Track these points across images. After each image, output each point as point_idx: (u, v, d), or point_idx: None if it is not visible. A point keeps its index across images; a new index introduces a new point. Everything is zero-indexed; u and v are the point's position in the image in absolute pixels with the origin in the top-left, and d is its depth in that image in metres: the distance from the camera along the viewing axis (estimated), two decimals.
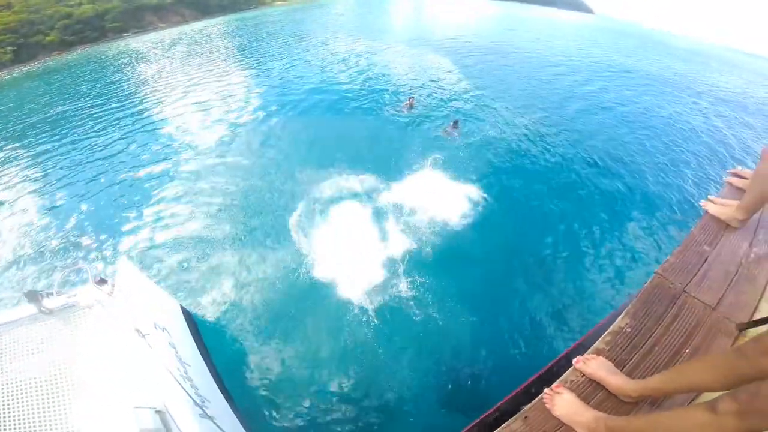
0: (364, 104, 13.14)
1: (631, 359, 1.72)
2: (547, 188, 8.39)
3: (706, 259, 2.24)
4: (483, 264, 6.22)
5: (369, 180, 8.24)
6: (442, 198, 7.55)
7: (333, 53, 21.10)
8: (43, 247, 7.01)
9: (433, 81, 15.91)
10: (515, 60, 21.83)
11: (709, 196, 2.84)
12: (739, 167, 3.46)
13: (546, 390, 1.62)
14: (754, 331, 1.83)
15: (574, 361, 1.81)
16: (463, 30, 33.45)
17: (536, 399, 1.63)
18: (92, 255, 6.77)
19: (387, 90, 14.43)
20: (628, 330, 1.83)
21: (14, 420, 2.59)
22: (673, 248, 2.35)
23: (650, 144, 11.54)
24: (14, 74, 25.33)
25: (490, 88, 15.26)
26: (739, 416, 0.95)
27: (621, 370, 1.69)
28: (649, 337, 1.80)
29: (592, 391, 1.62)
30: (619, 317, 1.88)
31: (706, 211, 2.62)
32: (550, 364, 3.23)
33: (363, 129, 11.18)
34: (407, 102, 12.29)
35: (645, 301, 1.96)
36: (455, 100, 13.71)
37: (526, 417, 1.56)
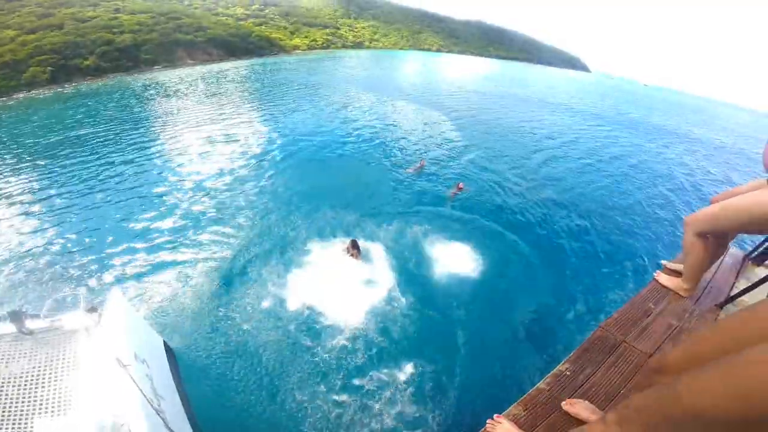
0: (369, 157, 13.62)
1: (570, 396, 1.84)
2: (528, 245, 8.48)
3: (649, 315, 2.39)
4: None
5: (367, 228, 8.51)
6: (444, 255, 7.71)
7: (343, 105, 22.34)
8: (39, 269, 7.13)
9: (434, 140, 16.34)
10: (515, 119, 23.02)
11: (662, 262, 2.98)
12: None
13: (488, 420, 1.73)
14: None
15: (563, 403, 1.92)
16: (467, 88, 35.42)
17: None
18: (86, 281, 6.86)
19: (392, 146, 14.94)
20: (568, 373, 1.96)
21: None
22: (618, 306, 2.50)
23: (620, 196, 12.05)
24: (46, 95, 26.51)
25: (489, 149, 15.77)
26: (619, 425, 1.12)
27: (555, 411, 1.80)
28: (587, 380, 1.93)
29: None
30: (561, 363, 2.02)
31: (656, 281, 2.75)
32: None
33: (367, 180, 11.53)
34: (418, 165, 12.20)
35: (586, 349, 2.11)
36: (456, 160, 13.98)
37: None
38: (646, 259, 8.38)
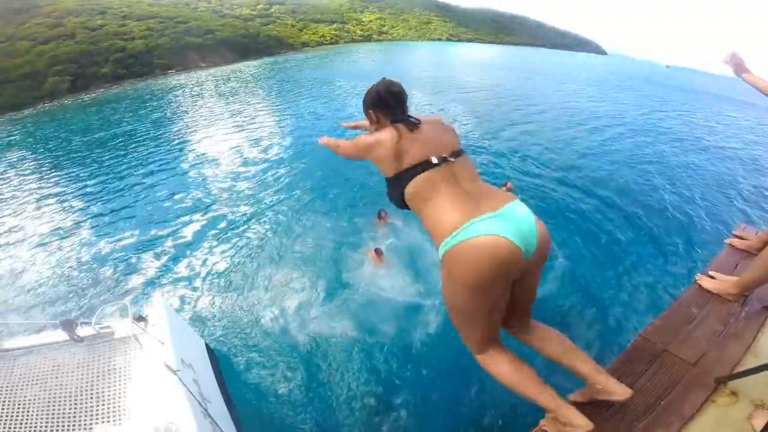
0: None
1: (606, 411, 1.85)
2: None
3: (693, 320, 2.35)
4: None
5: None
6: None
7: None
8: (82, 281, 7.52)
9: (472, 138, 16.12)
10: (545, 110, 22.35)
11: (705, 271, 2.78)
12: (743, 226, 3.44)
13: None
14: (734, 384, 1.94)
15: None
16: (488, 78, 34.78)
17: None
18: (131, 290, 7.20)
19: None
20: None
21: None
22: (660, 311, 2.47)
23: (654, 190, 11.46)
24: (67, 103, 27.31)
25: (516, 143, 15.49)
26: None
27: (596, 419, 1.81)
28: None
29: None
30: None
31: (699, 285, 2.62)
32: None
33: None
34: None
35: (624, 360, 2.10)
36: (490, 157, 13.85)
37: None
38: (683, 261, 7.95)
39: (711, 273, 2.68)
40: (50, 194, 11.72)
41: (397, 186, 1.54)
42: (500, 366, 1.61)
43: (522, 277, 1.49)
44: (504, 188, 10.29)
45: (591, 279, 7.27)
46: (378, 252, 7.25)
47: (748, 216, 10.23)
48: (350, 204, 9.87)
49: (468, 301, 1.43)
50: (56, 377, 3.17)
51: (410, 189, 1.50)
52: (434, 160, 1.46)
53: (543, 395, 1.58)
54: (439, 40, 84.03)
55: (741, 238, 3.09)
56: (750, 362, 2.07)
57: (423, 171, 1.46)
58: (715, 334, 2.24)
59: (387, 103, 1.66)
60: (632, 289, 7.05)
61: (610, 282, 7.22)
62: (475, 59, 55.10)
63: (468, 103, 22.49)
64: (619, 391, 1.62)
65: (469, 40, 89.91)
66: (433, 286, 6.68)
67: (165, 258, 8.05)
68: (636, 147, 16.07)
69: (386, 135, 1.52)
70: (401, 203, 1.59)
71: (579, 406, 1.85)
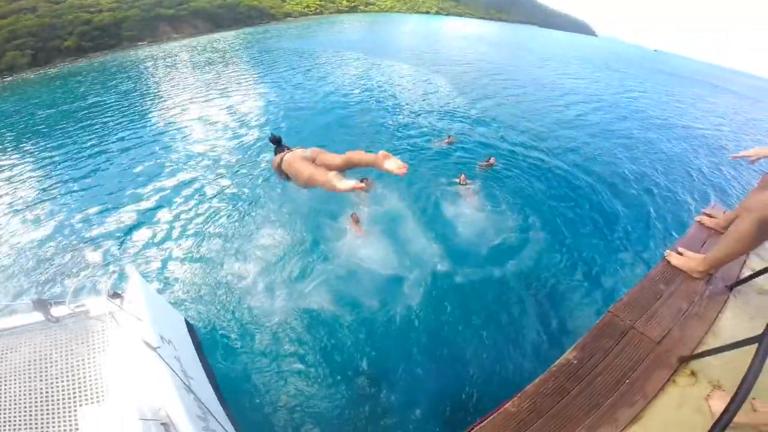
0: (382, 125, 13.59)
1: (574, 388, 1.92)
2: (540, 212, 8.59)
3: (659, 297, 2.43)
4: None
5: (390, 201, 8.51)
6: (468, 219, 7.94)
7: (349, 73, 22.02)
8: (54, 258, 7.26)
9: (444, 110, 16.13)
10: (524, 85, 22.48)
11: (674, 247, 2.85)
12: (713, 204, 3.52)
13: None
14: (694, 364, 2.04)
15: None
16: (473, 52, 34.40)
17: (484, 422, 1.85)
18: (104, 265, 7.01)
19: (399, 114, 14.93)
20: (575, 362, 2.03)
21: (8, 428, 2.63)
22: (629, 288, 2.55)
23: (632, 169, 11.75)
24: (29, 77, 25.95)
25: (500, 119, 15.48)
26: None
27: (565, 397, 1.91)
28: (593, 369, 2.00)
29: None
30: (568, 350, 2.09)
31: (668, 261, 2.69)
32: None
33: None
34: (447, 139, 12.18)
35: (594, 336, 2.17)
36: (466, 126, 14.01)
37: None
38: (655, 238, 8.27)
39: (680, 249, 2.75)
40: (13, 168, 11.08)
41: None
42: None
43: None
44: (486, 163, 10.33)
45: (567, 250, 7.52)
46: (355, 217, 7.44)
47: (716, 195, 10.76)
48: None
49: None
50: (32, 362, 3.04)
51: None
52: None
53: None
54: (428, 13, 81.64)
55: (710, 216, 3.18)
56: (710, 342, 2.17)
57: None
58: (680, 313, 2.32)
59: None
60: (606, 261, 7.36)
61: (586, 254, 7.50)
62: (463, 33, 54.26)
63: (450, 75, 22.57)
64: (395, 169, 1.79)
65: (459, 15, 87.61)
66: (414, 256, 6.82)
67: (138, 232, 7.83)
68: (608, 123, 16.57)
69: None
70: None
71: (556, 382, 1.92)
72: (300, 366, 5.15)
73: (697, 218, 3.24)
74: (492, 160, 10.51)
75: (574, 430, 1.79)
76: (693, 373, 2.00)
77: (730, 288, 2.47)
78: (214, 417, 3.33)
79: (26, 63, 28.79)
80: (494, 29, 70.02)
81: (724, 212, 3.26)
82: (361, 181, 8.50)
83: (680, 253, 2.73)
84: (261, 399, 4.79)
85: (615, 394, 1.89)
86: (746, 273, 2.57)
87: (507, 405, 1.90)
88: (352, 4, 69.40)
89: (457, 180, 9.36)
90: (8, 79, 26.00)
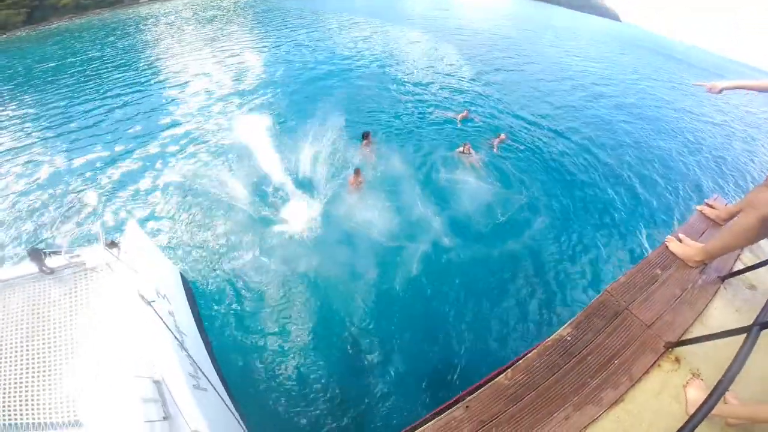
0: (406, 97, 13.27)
1: (566, 365, 1.97)
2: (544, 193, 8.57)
3: (655, 281, 2.47)
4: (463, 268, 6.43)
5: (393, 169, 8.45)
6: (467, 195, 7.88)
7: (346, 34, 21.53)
8: (53, 205, 7.19)
9: (450, 80, 15.80)
10: (538, 63, 21.93)
11: (675, 233, 2.90)
12: (715, 196, 3.51)
13: None
14: (678, 350, 2.08)
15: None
16: (483, 24, 33.22)
17: (478, 391, 1.89)
18: (102, 214, 6.94)
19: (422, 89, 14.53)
20: (569, 338, 2.08)
21: (3, 382, 2.60)
22: (627, 269, 2.56)
23: (639, 156, 11.69)
24: (24, 35, 25.16)
25: (512, 95, 15.22)
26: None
27: (556, 373, 1.94)
28: (585, 347, 2.05)
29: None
30: (563, 327, 2.14)
31: (666, 246, 2.74)
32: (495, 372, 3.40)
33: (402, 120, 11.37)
34: (462, 113, 11.84)
35: (589, 314, 2.21)
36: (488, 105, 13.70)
37: (467, 406, 1.85)
38: (657, 222, 8.38)
39: (680, 235, 2.79)
40: (11, 119, 10.71)
41: None
42: None
43: None
44: (498, 139, 10.13)
45: (569, 228, 7.59)
46: (357, 173, 7.54)
47: (719, 188, 10.86)
48: (335, 125, 9.79)
49: None
50: (26, 316, 2.95)
51: None
52: None
53: None
54: None
55: (711, 207, 3.20)
56: (697, 330, 2.23)
57: None
58: (672, 298, 2.37)
59: None
60: (608, 241, 7.45)
61: (588, 232, 7.59)
62: (478, 3, 52.20)
63: (459, 45, 22.04)
64: None
65: None
66: (414, 223, 6.86)
67: (136, 182, 7.74)
68: (623, 109, 16.32)
69: None
70: None
71: (549, 357, 1.92)
72: (290, 327, 5.22)
73: (699, 208, 3.26)
74: (503, 136, 10.32)
75: (561, 406, 1.86)
76: (677, 360, 2.06)
77: (722, 279, 2.52)
78: (205, 375, 3.30)
79: (21, 21, 27.70)
80: (511, 3, 67.19)
81: (725, 205, 3.27)
82: (364, 137, 8.93)
83: (680, 240, 2.77)
84: (250, 358, 4.85)
85: (603, 374, 1.95)
86: (739, 266, 2.63)
87: (500, 377, 1.96)
88: None
89: (461, 148, 9.23)
90: (3, 36, 25.12)
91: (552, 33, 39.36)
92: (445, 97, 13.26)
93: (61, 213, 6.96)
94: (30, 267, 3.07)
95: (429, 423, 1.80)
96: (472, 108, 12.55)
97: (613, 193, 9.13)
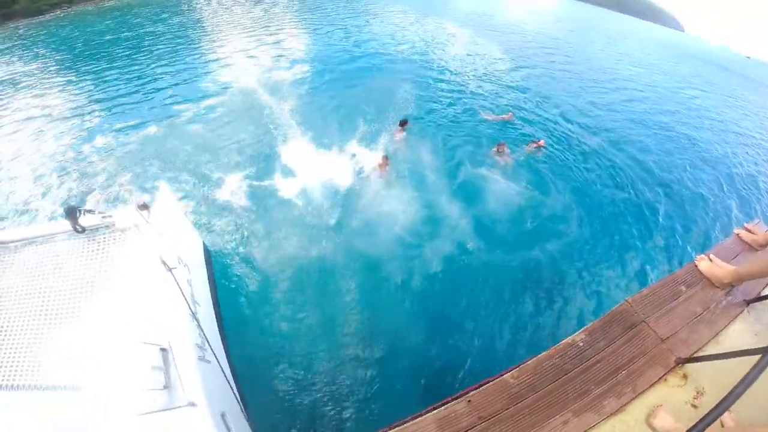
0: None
1: (573, 370, 1.96)
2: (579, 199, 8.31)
3: (677, 297, 2.41)
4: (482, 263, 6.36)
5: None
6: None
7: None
8: (94, 168, 7.52)
9: (501, 81, 15.47)
10: (587, 70, 21.16)
11: (706, 253, 2.82)
12: (757, 221, 3.39)
13: None
14: (690, 367, 2.04)
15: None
16: (528, 22, 32.48)
17: (481, 387, 1.90)
18: (135, 178, 7.20)
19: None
20: (581, 344, 2.07)
21: (16, 335, 2.69)
22: (650, 282, 2.46)
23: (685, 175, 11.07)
24: (88, 8, 26.58)
25: (561, 102, 14.70)
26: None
27: (562, 377, 1.91)
28: (596, 354, 2.03)
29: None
30: (577, 332, 2.12)
31: (696, 265, 2.66)
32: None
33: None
34: (506, 115, 11.59)
35: (605, 322, 2.18)
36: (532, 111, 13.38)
37: (469, 401, 1.87)
38: (681, 241, 7.96)
39: (711, 256, 2.70)
40: (70, 84, 11.33)
41: None
42: None
43: None
44: (535, 145, 9.81)
45: (597, 238, 7.35)
46: (385, 159, 7.69)
47: (763, 213, 10.15)
48: (369, 109, 10.02)
49: None
50: (54, 272, 3.02)
51: None
52: None
53: None
54: None
55: (750, 231, 3.09)
56: (711, 349, 2.16)
57: None
58: (692, 316, 2.30)
59: None
60: (637, 254, 7.18)
61: (617, 244, 7.34)
62: (533, 5, 50.86)
63: (499, 40, 21.80)
64: None
65: None
66: (438, 219, 6.83)
67: (174, 149, 8.03)
68: (673, 122, 15.45)
69: None
70: None
71: (557, 361, 1.89)
72: (299, 311, 5.26)
73: (736, 230, 3.15)
74: (542, 142, 9.98)
75: (561, 411, 1.85)
76: (685, 376, 2.01)
77: (748, 303, 2.42)
78: (211, 348, 3.28)
79: None
80: (564, 4, 64.77)
81: (766, 231, 3.15)
82: (401, 124, 9.09)
83: (710, 260, 2.68)
84: (258, 338, 4.92)
85: (608, 383, 1.92)
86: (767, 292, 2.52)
87: (507, 375, 1.97)
88: None
89: (496, 148, 9.05)
90: (69, 10, 26.81)
91: (605, 38, 37.70)
92: (486, 95, 13.03)
93: (103, 175, 7.31)
94: (64, 225, 3.12)
95: (429, 413, 1.83)
96: (516, 111, 12.23)
97: (647, 206, 8.78)
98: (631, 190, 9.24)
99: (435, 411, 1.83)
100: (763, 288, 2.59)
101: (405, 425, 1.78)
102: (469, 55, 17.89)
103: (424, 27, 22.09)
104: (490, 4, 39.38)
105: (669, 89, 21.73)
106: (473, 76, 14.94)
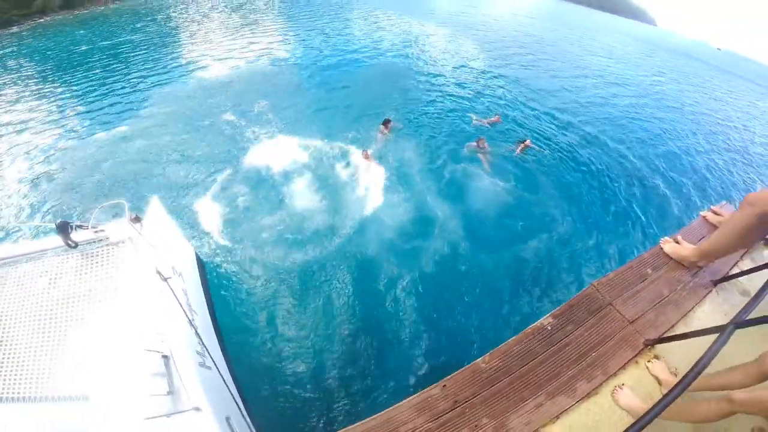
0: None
1: (543, 353, 2.06)
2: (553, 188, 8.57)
3: (644, 280, 2.50)
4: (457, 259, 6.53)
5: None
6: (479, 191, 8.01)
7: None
8: (84, 181, 7.57)
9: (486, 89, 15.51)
10: (544, 54, 22.13)
11: (672, 236, 2.90)
12: (723, 203, 3.48)
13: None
14: (660, 348, 2.14)
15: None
16: (503, 19, 33.30)
17: (455, 372, 2.00)
18: (128, 189, 7.31)
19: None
20: (548, 328, 2.16)
21: (15, 351, 2.71)
22: (617, 266, 2.59)
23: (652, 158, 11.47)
24: (63, 18, 26.03)
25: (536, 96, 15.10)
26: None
27: (532, 361, 2.03)
28: (564, 338, 2.12)
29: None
30: (544, 316, 2.21)
31: (661, 247, 2.74)
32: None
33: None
34: (494, 118, 11.70)
35: (572, 305, 2.27)
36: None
37: (444, 385, 1.96)
38: (654, 225, 8.22)
39: (678, 238, 2.78)
40: (51, 97, 11.31)
41: None
42: None
43: None
44: (522, 145, 9.93)
45: (565, 225, 7.55)
46: (366, 152, 8.08)
47: (728, 196, 10.53)
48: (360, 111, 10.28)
49: None
50: (48, 290, 3.06)
51: None
52: None
53: None
54: None
55: (716, 213, 3.17)
56: (680, 330, 2.24)
57: None
58: (659, 298, 2.40)
59: None
60: (606, 240, 7.40)
61: (585, 231, 7.54)
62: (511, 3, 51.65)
63: (476, 38, 22.49)
64: None
65: None
66: (420, 215, 7.01)
67: (161, 158, 8.13)
68: (633, 108, 16.07)
69: None
70: None
71: (527, 344, 2.01)
72: (294, 314, 5.36)
73: (702, 213, 3.23)
74: (528, 142, 10.07)
75: (535, 393, 1.93)
76: (656, 357, 2.10)
77: (715, 283, 2.51)
78: (210, 354, 3.35)
79: (58, 6, 29.17)
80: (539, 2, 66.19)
81: (732, 213, 3.22)
82: (384, 123, 9.29)
83: (678, 242, 2.77)
84: (253, 341, 5.01)
85: (579, 366, 2.01)
86: (735, 272, 2.58)
87: (478, 360, 2.05)
88: None
89: (475, 143, 9.19)
90: (41, 20, 26.28)
91: (577, 30, 38.67)
92: (470, 96, 13.28)
93: (88, 187, 7.36)
94: (56, 240, 3.12)
95: (406, 400, 1.90)
96: (502, 111, 12.44)
97: (616, 193, 9.09)
98: (601, 178, 9.54)
99: (411, 397, 1.89)
100: (731, 268, 2.67)
101: (384, 412, 1.84)
102: (451, 56, 18.20)
103: (405, 28, 22.46)
104: (469, 2, 39.84)
105: (642, 80, 22.46)
106: (456, 76, 15.26)
